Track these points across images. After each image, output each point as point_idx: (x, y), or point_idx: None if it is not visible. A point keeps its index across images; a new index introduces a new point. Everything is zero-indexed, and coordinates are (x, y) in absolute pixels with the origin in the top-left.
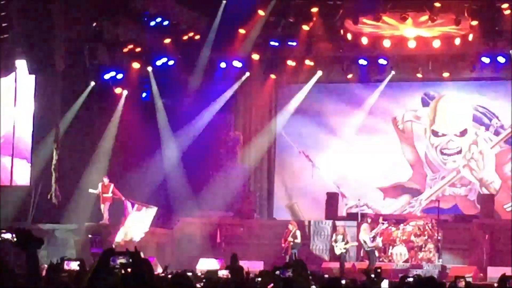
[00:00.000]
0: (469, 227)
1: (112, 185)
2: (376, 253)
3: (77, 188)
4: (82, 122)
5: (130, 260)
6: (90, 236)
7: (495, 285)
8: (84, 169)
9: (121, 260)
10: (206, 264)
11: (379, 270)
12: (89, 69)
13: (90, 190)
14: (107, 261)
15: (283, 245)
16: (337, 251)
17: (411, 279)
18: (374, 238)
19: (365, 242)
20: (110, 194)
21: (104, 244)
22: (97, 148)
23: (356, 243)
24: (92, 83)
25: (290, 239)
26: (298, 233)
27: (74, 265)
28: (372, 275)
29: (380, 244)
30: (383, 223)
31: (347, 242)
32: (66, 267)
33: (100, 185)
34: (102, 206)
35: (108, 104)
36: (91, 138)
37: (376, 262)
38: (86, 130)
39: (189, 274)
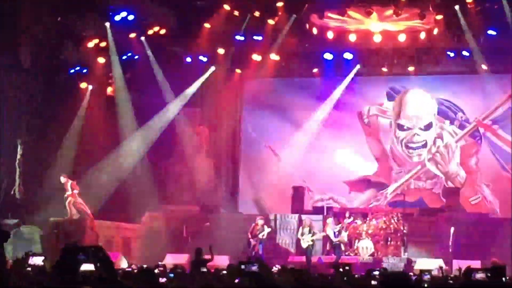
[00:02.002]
0: (435, 221)
1: (70, 182)
2: (342, 247)
3: (42, 183)
4: (48, 117)
5: (93, 255)
6: (55, 231)
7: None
8: (49, 164)
9: (83, 255)
10: (172, 259)
11: (347, 267)
12: (55, 64)
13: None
14: (69, 257)
15: (251, 240)
16: (304, 244)
17: (376, 273)
18: (339, 232)
19: (330, 236)
20: (69, 191)
21: (70, 240)
22: (62, 143)
23: (323, 233)
24: (58, 78)
25: (260, 236)
26: (266, 228)
27: (38, 260)
28: (341, 269)
29: (346, 238)
30: (349, 217)
31: (313, 234)
32: (30, 262)
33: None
34: (68, 204)
35: (74, 99)
36: (56, 133)
37: (342, 256)
38: (52, 125)
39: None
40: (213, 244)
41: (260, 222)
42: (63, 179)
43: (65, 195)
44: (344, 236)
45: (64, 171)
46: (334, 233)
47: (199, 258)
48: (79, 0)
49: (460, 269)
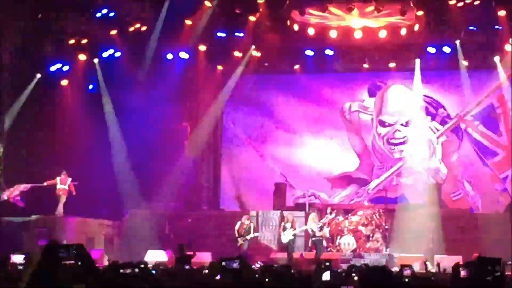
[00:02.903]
0: (416, 216)
1: (70, 179)
2: (324, 243)
3: (24, 180)
4: (28, 114)
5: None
6: (39, 228)
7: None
8: (31, 162)
9: (64, 253)
10: (154, 256)
11: (328, 263)
12: (35, 62)
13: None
14: (51, 254)
15: (238, 239)
16: (285, 239)
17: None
18: (321, 228)
19: (312, 232)
20: (66, 187)
21: (51, 237)
22: (44, 141)
23: (305, 227)
24: (38, 75)
25: (248, 237)
26: (253, 230)
27: (20, 258)
28: (322, 266)
29: (328, 234)
30: (330, 213)
31: (295, 229)
32: (12, 259)
33: (58, 178)
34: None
35: (54, 96)
36: (37, 131)
37: (324, 252)
38: (32, 122)
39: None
40: (195, 240)
41: (246, 221)
42: (63, 176)
43: (60, 191)
44: (326, 232)
45: (47, 169)
46: (316, 228)
47: (182, 254)
48: None
49: (438, 264)
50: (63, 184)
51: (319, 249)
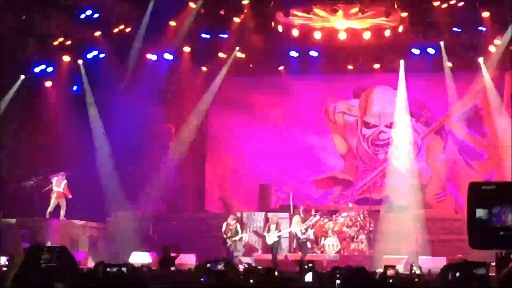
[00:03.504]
0: (401, 217)
1: (65, 181)
2: (309, 245)
3: (6, 182)
4: (12, 116)
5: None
6: (23, 230)
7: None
8: (15, 163)
9: (47, 255)
10: (138, 258)
11: (311, 264)
12: (19, 63)
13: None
14: (34, 257)
15: (227, 240)
16: (270, 241)
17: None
18: (306, 230)
19: (296, 234)
20: (61, 189)
21: (35, 239)
22: (28, 142)
23: (290, 229)
24: (22, 77)
25: (235, 238)
26: (238, 226)
27: (3, 260)
28: (306, 266)
29: (312, 236)
30: (315, 215)
31: (280, 231)
32: None
33: (55, 179)
34: (55, 200)
35: (38, 97)
36: (21, 132)
37: (308, 254)
38: (16, 124)
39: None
40: (180, 242)
41: (232, 222)
42: (59, 177)
43: (54, 193)
44: (310, 234)
45: (30, 171)
46: (301, 230)
47: (167, 256)
48: None
49: (420, 267)
50: (57, 186)
51: (304, 251)
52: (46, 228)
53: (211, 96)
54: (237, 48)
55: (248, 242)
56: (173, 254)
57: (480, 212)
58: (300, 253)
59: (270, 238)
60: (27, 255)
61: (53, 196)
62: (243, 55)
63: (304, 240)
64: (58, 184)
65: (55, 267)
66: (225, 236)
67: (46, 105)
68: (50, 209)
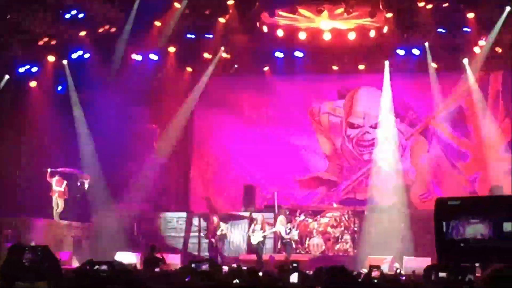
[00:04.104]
0: (385, 218)
1: (65, 182)
2: (293, 245)
3: None
4: None
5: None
6: (7, 230)
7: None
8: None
9: (30, 254)
10: (123, 258)
11: (295, 265)
12: (4, 63)
13: None
14: (16, 255)
15: (212, 240)
16: (254, 241)
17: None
18: (290, 229)
19: (281, 234)
20: (62, 189)
21: (19, 239)
22: (12, 142)
23: (275, 229)
24: (7, 77)
25: (219, 233)
26: (222, 225)
27: None
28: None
29: (296, 237)
30: (299, 216)
31: (264, 231)
32: None
33: (54, 180)
34: (58, 200)
35: (23, 97)
36: (5, 132)
37: (293, 254)
38: (1, 123)
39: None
40: (164, 242)
41: (215, 219)
42: (58, 177)
43: (55, 193)
44: (295, 234)
45: (12, 169)
46: (285, 230)
47: (152, 256)
48: None
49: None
50: (58, 186)
51: (288, 251)
52: (30, 228)
53: (196, 96)
54: (222, 48)
55: (232, 242)
56: (158, 255)
57: (443, 225)
58: (284, 253)
59: (255, 239)
60: (9, 254)
61: (55, 196)
62: (228, 56)
63: (289, 240)
64: (59, 184)
65: (38, 266)
66: (209, 236)
67: (30, 105)
68: (59, 210)
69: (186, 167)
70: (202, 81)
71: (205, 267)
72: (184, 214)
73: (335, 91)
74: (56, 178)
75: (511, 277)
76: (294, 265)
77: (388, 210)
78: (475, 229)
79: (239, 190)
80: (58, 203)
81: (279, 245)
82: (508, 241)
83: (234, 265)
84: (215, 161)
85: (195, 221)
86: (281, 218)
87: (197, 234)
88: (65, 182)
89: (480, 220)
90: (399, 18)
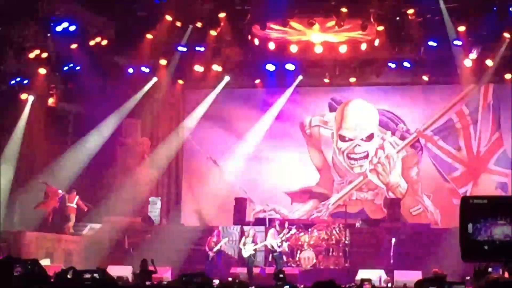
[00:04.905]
0: (376, 231)
1: (77, 197)
2: (284, 258)
3: None
4: None
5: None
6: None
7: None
8: None
9: (20, 267)
10: (114, 271)
11: (281, 275)
12: None
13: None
14: (6, 268)
15: (209, 253)
16: (245, 254)
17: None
18: (281, 243)
19: (272, 247)
20: (74, 205)
21: (10, 252)
22: (3, 155)
23: (265, 242)
24: None
25: (218, 247)
26: (224, 240)
27: None
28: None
29: (286, 249)
30: (290, 228)
31: (256, 244)
32: None
33: (68, 197)
34: (70, 216)
35: (14, 110)
36: None
37: (284, 267)
38: None
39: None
40: (155, 256)
41: (217, 233)
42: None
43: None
44: (285, 247)
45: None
46: (277, 243)
47: (144, 270)
48: (20, 10)
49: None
50: (70, 202)
51: (278, 264)
52: (21, 241)
53: (187, 109)
54: (214, 61)
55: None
56: (151, 268)
57: (469, 226)
58: (275, 266)
59: (246, 252)
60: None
61: (69, 213)
62: (220, 68)
63: (280, 253)
64: (71, 201)
65: (27, 279)
66: (207, 249)
67: (21, 117)
68: (71, 224)
69: (177, 180)
70: (193, 94)
71: (196, 280)
72: (176, 227)
73: (326, 104)
74: (67, 196)
75: None
76: (281, 275)
77: (378, 223)
78: (502, 230)
79: (230, 203)
80: (70, 218)
81: (270, 258)
82: None
83: (230, 279)
84: (205, 174)
85: (187, 234)
86: (272, 231)
87: (188, 247)
88: (76, 197)
89: (507, 221)
90: (391, 31)
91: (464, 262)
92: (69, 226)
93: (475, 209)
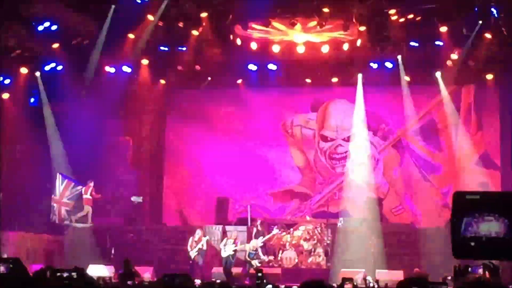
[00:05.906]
0: (358, 231)
1: (91, 187)
2: (266, 258)
3: None
4: None
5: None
6: None
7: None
8: None
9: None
10: (96, 271)
11: (260, 274)
12: None
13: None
14: None
15: (190, 252)
16: (224, 254)
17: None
18: (264, 244)
19: (255, 248)
20: (89, 196)
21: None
22: None
23: (247, 244)
24: None
25: (200, 247)
26: (204, 239)
27: None
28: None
29: (261, 254)
30: (272, 228)
31: (237, 245)
32: None
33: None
34: (85, 207)
35: None
36: None
37: (266, 267)
38: None
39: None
40: (138, 255)
41: (199, 233)
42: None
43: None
44: (260, 253)
45: None
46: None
47: (128, 270)
48: (2, 10)
49: (377, 281)
50: (86, 193)
51: (247, 269)
52: (1, 241)
53: (169, 109)
54: (196, 61)
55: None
56: (134, 270)
57: (461, 222)
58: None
59: (225, 252)
60: None
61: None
62: (201, 68)
63: (257, 253)
64: (86, 192)
65: (8, 278)
66: (189, 249)
67: (3, 117)
68: (81, 214)
69: (159, 180)
70: (175, 94)
71: (177, 280)
72: (157, 227)
73: (308, 104)
74: (83, 188)
75: None
76: (259, 274)
77: (360, 223)
78: (488, 226)
79: (212, 203)
80: (87, 209)
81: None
82: None
83: (214, 279)
84: (187, 174)
85: (169, 233)
86: (254, 243)
87: (170, 247)
88: (90, 188)
89: (494, 217)
90: (372, 31)
91: (445, 262)
92: (88, 217)
93: (467, 205)
